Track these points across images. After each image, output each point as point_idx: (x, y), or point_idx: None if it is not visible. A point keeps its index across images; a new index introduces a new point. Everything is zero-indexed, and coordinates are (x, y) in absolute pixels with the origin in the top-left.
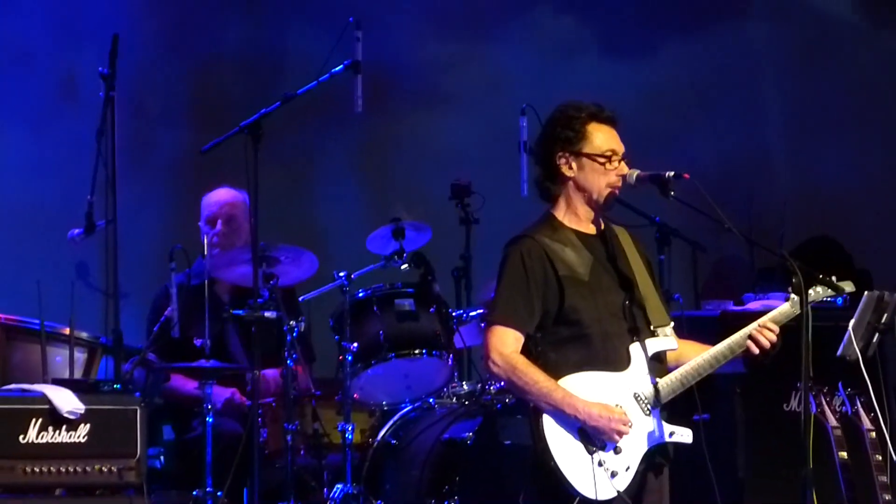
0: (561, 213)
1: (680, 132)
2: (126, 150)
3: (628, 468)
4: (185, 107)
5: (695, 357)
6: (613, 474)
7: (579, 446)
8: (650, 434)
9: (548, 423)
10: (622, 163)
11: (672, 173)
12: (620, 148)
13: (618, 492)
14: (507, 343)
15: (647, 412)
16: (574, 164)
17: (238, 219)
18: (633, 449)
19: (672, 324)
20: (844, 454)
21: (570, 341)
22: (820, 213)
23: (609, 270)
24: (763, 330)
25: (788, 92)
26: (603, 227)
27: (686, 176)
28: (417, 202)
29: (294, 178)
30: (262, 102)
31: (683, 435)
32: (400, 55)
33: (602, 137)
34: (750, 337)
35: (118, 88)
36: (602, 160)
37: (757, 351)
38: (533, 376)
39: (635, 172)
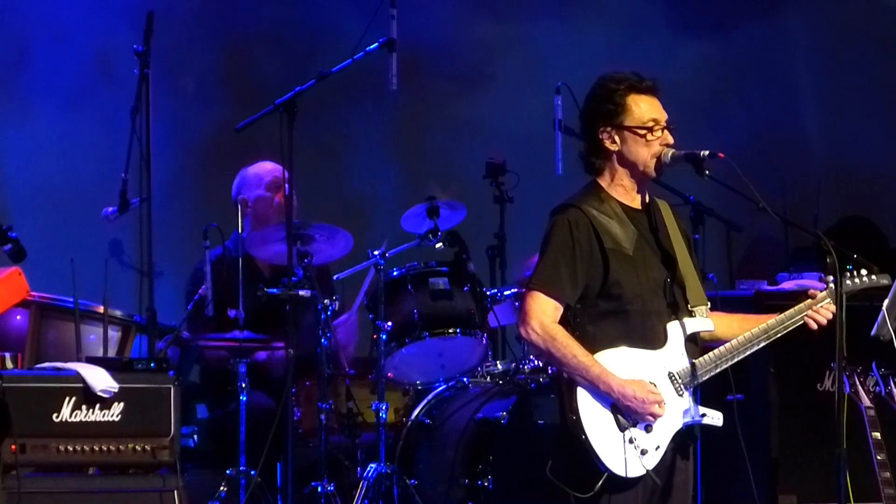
0: (606, 184)
1: (714, 111)
2: (160, 128)
3: (658, 447)
4: (219, 84)
5: (745, 331)
6: (643, 452)
7: (611, 422)
8: (681, 414)
9: (582, 395)
10: (665, 131)
11: (707, 152)
12: (662, 116)
13: (647, 470)
14: (547, 312)
15: (681, 392)
16: (617, 138)
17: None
18: (664, 428)
19: (708, 304)
20: (878, 434)
21: (610, 315)
22: (854, 193)
23: (652, 246)
24: (820, 309)
25: (822, 71)
26: (647, 200)
27: (721, 155)
28: (452, 181)
29: (328, 156)
30: (296, 80)
31: (714, 418)
32: (435, 33)
33: (642, 108)
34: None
35: (153, 66)
36: (643, 131)
37: (815, 327)
38: (572, 349)
39: (670, 151)
